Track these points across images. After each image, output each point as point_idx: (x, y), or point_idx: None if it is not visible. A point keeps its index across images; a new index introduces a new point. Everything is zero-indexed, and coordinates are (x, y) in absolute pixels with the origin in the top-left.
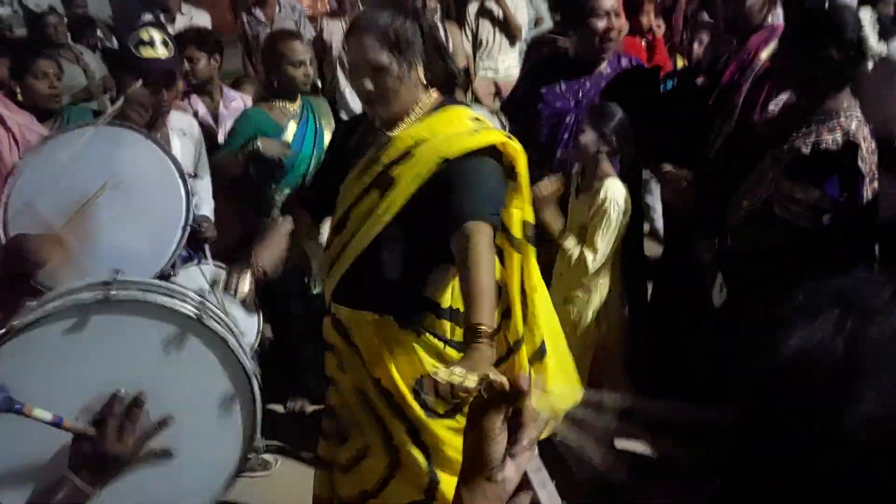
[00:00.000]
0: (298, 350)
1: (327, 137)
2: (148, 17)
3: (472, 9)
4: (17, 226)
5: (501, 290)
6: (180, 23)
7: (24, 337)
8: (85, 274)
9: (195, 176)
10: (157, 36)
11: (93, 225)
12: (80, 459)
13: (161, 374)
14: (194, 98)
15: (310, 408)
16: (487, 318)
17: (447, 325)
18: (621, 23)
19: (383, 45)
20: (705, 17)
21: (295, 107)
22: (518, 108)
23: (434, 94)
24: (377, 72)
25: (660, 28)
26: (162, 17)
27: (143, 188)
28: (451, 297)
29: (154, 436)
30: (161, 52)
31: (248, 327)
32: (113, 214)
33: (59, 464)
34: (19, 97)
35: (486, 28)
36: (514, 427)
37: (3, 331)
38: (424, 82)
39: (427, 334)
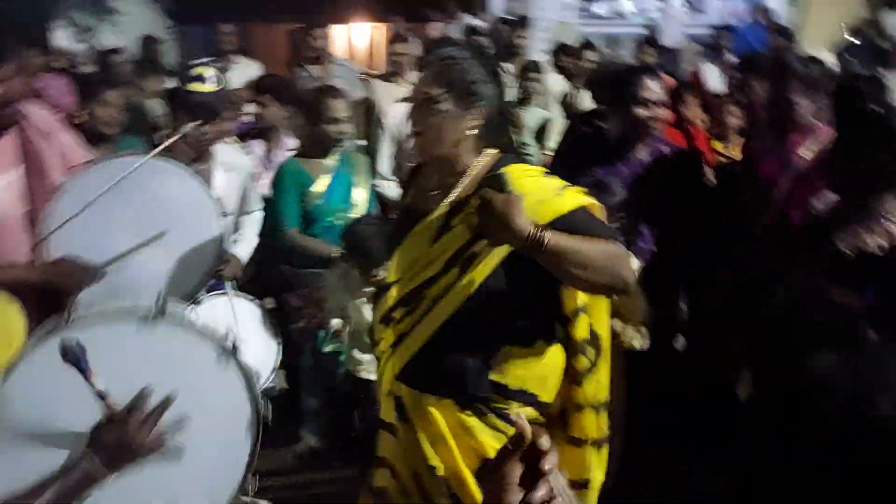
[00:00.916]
0: (301, 402)
1: (357, 194)
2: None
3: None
4: (56, 242)
5: None
6: (234, 71)
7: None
8: (113, 298)
9: (244, 212)
10: (206, 72)
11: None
12: (101, 441)
13: (193, 388)
14: (257, 141)
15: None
16: None
17: (514, 405)
18: (665, 113)
19: (441, 80)
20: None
21: (331, 161)
22: None
23: (491, 152)
24: (425, 102)
25: (703, 123)
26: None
27: (180, 222)
28: (519, 377)
29: (171, 434)
30: (208, 87)
31: (269, 356)
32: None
33: (79, 443)
34: (77, 120)
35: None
36: (533, 479)
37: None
38: (478, 136)
39: (492, 415)
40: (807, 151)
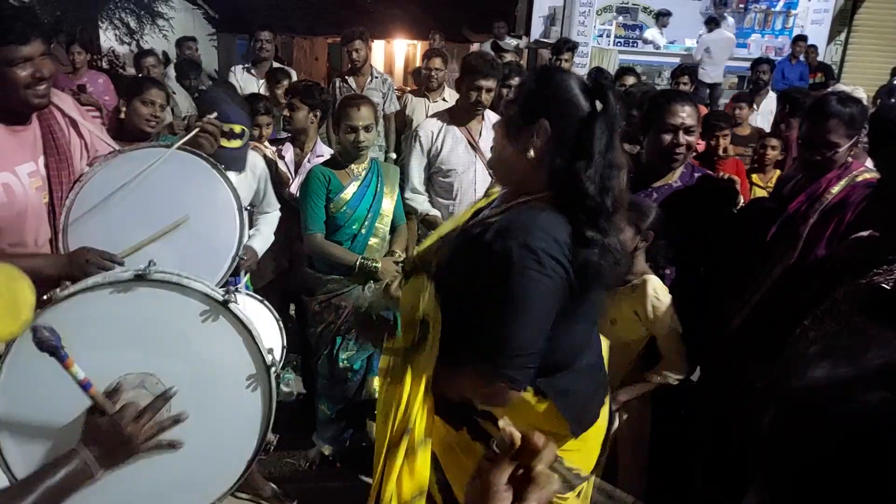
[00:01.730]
0: (316, 408)
1: (384, 203)
2: (239, 67)
3: None
4: (77, 232)
5: None
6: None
7: (66, 305)
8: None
9: (262, 212)
10: (236, 130)
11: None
12: (94, 434)
13: (189, 346)
14: (287, 145)
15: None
16: None
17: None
18: (691, 140)
19: (514, 113)
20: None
21: (361, 168)
22: None
23: (549, 197)
24: (497, 131)
25: (737, 154)
26: (253, 71)
27: (201, 214)
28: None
29: (167, 429)
30: (235, 143)
31: (274, 342)
32: (169, 237)
33: (71, 436)
34: (122, 115)
35: None
36: (523, 486)
37: (46, 297)
38: (546, 161)
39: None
40: (836, 187)
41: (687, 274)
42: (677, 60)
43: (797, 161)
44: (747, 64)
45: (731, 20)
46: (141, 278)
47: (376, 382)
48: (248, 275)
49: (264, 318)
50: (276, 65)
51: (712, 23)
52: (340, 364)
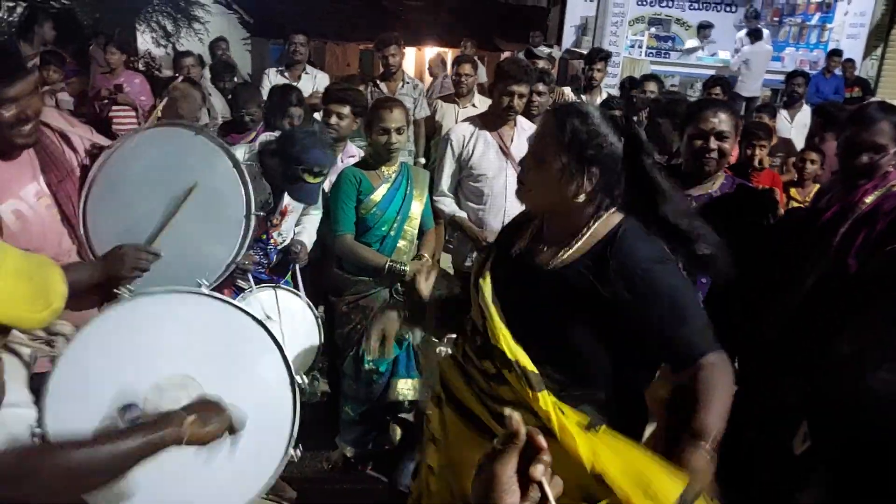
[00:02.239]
0: (340, 409)
1: (413, 206)
2: (273, 70)
3: None
4: (99, 234)
5: None
6: (305, 81)
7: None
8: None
9: (305, 212)
10: (323, 170)
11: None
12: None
13: (227, 357)
14: None
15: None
16: None
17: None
18: (724, 146)
19: (553, 136)
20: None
21: (391, 171)
22: None
23: (616, 216)
24: (531, 155)
25: (776, 169)
26: (286, 74)
27: (205, 180)
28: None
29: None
30: (316, 179)
31: (308, 355)
32: (185, 210)
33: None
34: (159, 115)
35: None
36: (528, 482)
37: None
38: (595, 198)
39: None
40: (870, 197)
41: (722, 283)
42: (710, 72)
43: (837, 172)
44: (781, 77)
45: (766, 33)
46: (194, 293)
47: (401, 385)
48: (287, 274)
49: (305, 316)
50: (308, 68)
51: (755, 35)
52: (366, 365)
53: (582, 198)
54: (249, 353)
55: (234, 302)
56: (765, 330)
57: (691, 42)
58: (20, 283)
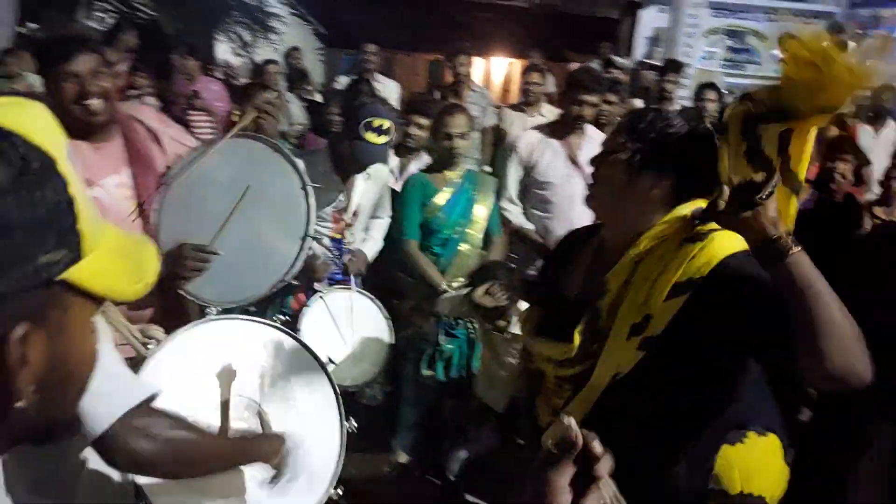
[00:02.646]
0: (398, 413)
1: (477, 210)
2: (343, 78)
3: None
4: (166, 230)
5: None
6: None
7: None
8: (211, 276)
9: (375, 216)
10: (385, 125)
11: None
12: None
13: (288, 391)
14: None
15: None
16: None
17: None
18: None
19: (620, 138)
20: None
21: (455, 175)
22: None
23: (685, 211)
24: (599, 159)
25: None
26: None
27: (270, 199)
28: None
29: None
30: (381, 139)
31: (380, 355)
32: (242, 222)
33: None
34: (246, 122)
35: None
36: (583, 489)
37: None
38: (669, 198)
39: None
40: None
41: None
42: None
43: None
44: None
45: (851, 46)
46: (270, 325)
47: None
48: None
49: (377, 320)
50: (378, 77)
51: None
52: (425, 371)
53: (662, 192)
54: (306, 388)
55: (304, 340)
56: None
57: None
58: (117, 257)
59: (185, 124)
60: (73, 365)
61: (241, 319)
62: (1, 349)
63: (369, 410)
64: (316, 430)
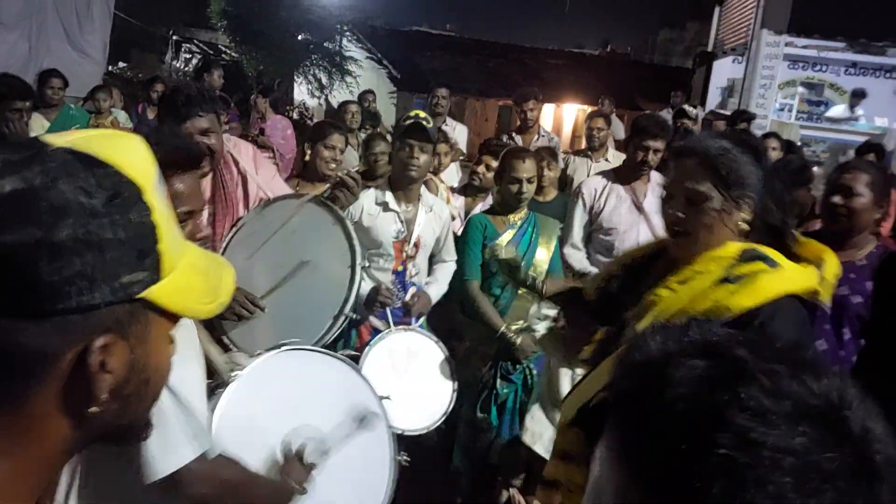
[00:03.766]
0: (452, 456)
1: (540, 253)
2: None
3: None
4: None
5: None
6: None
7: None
8: (253, 331)
9: (441, 260)
10: (421, 114)
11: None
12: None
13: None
14: (454, 196)
15: None
16: None
17: None
18: (854, 204)
19: (706, 174)
20: None
21: (517, 217)
22: None
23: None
24: (691, 200)
25: None
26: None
27: (321, 272)
28: None
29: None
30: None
31: (442, 400)
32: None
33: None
34: (307, 158)
35: None
36: None
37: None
38: (745, 228)
39: None
40: None
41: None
42: (863, 138)
43: None
44: None
45: None
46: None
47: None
48: (422, 318)
49: (439, 362)
50: (448, 120)
51: None
52: (480, 414)
53: (743, 226)
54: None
55: (366, 376)
56: None
57: (836, 110)
58: (196, 276)
59: None
60: (151, 374)
61: (316, 351)
62: (83, 357)
63: (423, 451)
64: (366, 466)
